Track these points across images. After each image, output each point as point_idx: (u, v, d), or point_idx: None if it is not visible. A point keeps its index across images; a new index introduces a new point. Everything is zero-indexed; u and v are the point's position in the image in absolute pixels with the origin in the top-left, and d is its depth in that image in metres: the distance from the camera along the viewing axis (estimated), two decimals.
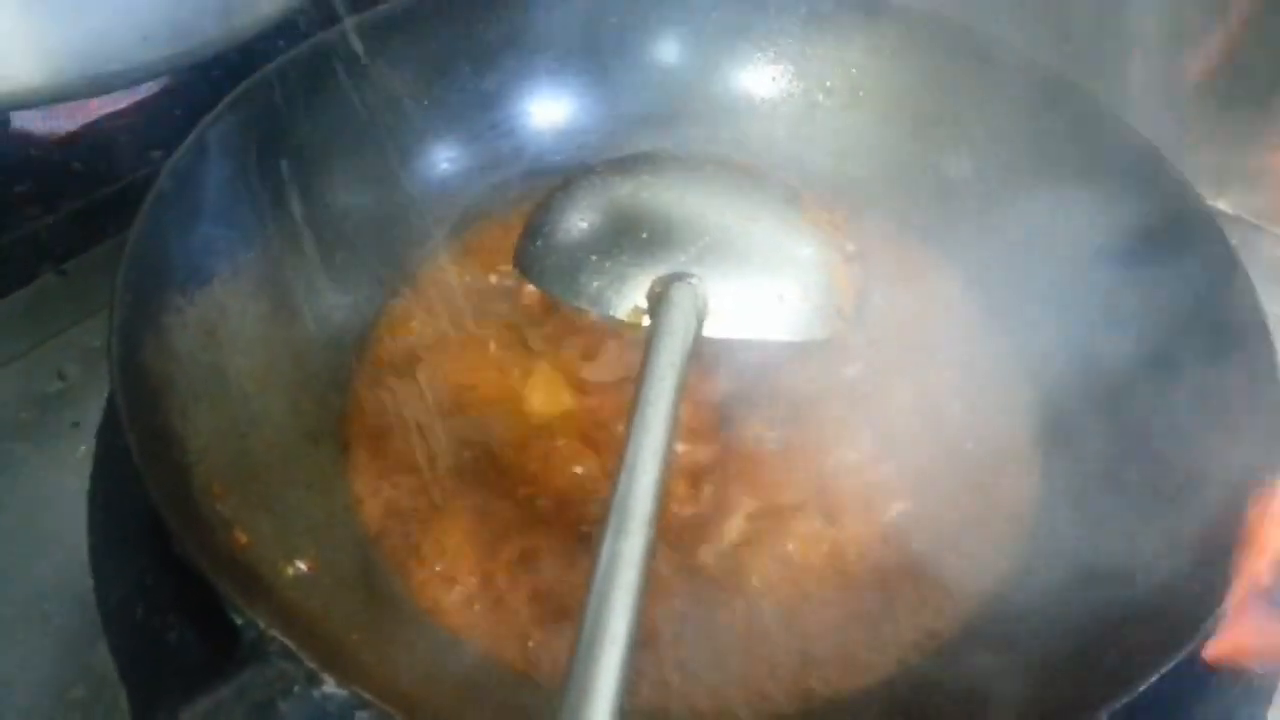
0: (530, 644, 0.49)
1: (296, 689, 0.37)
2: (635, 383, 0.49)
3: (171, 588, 0.46)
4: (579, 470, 0.55)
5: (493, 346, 0.62)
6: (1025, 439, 0.59)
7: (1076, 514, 0.55)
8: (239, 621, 0.39)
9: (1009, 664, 0.46)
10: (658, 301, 0.54)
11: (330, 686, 0.37)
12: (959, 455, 0.58)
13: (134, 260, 0.51)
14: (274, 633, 0.38)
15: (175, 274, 0.53)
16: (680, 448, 0.54)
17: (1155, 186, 0.60)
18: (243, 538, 0.46)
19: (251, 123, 0.59)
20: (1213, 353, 0.54)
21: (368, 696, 0.37)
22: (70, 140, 0.77)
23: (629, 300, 0.56)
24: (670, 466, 0.45)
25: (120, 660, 0.45)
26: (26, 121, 0.77)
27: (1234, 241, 0.58)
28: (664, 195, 0.58)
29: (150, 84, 0.79)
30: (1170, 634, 0.41)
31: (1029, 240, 0.64)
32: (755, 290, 0.56)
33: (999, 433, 0.59)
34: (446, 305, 0.64)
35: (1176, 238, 0.58)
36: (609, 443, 0.56)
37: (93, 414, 0.56)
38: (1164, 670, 0.39)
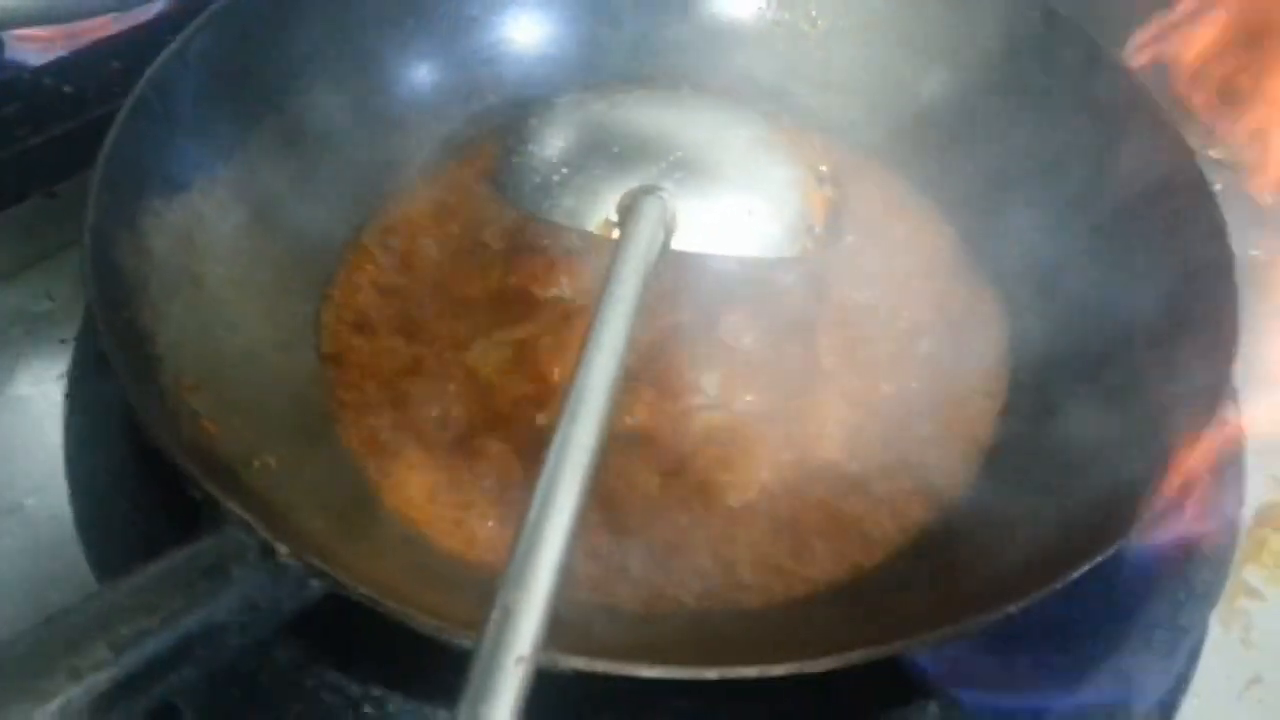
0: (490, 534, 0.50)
1: (250, 556, 0.38)
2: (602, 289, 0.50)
3: (139, 476, 0.47)
4: (550, 375, 0.56)
5: (467, 266, 0.62)
6: (992, 367, 0.60)
7: (1034, 439, 0.56)
8: (197, 497, 0.39)
9: (962, 559, 0.47)
10: (626, 214, 0.55)
11: (283, 557, 0.38)
12: (924, 377, 0.59)
13: (110, 162, 0.52)
14: (230, 505, 0.39)
15: (153, 179, 0.54)
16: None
17: (1138, 125, 0.60)
18: (211, 427, 0.47)
19: (232, 36, 0.60)
20: (1177, 290, 0.54)
21: (320, 566, 0.38)
22: (62, 64, 0.78)
23: (600, 213, 0.56)
24: (625, 366, 0.46)
25: (88, 545, 0.46)
26: (17, 44, 0.78)
27: (1219, 185, 0.58)
28: (637, 113, 0.58)
29: (142, 9, 0.79)
30: (1108, 524, 0.42)
31: (1005, 173, 0.65)
32: (724, 205, 0.56)
33: (966, 358, 0.60)
34: (424, 226, 0.65)
35: (1155, 177, 0.58)
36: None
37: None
38: (1104, 555, 0.40)
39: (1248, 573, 0.65)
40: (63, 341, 0.70)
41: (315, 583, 0.39)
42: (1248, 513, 0.68)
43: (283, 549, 0.38)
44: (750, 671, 0.37)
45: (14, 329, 0.71)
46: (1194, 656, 0.53)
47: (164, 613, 0.36)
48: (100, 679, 0.34)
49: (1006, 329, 0.61)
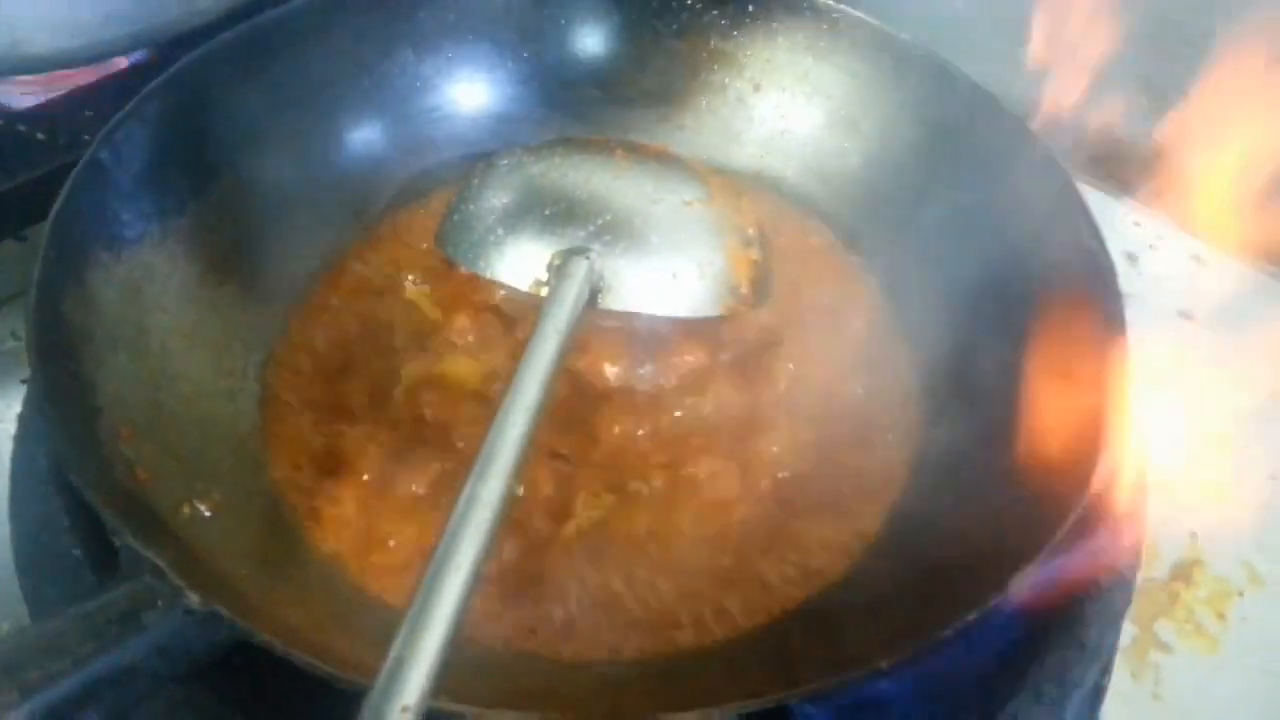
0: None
1: (159, 602, 0.40)
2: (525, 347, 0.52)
3: (75, 520, 0.50)
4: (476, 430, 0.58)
5: (411, 318, 0.65)
6: (911, 406, 0.63)
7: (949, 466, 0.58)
8: (117, 544, 0.42)
9: (850, 618, 0.49)
10: (554, 274, 0.57)
11: (193, 605, 0.40)
12: (845, 416, 0.61)
13: (61, 218, 0.54)
14: (147, 553, 0.41)
15: (103, 234, 0.57)
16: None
17: (1052, 206, 0.63)
18: (143, 474, 0.49)
19: (189, 97, 0.63)
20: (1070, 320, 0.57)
21: (226, 614, 0.40)
22: (36, 111, 0.81)
23: (531, 273, 0.59)
24: (538, 424, 0.48)
25: (25, 585, 0.49)
26: None
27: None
28: (570, 175, 0.61)
29: (115, 60, 0.82)
30: (981, 585, 0.44)
31: (924, 236, 0.68)
32: (650, 267, 0.59)
33: (885, 398, 0.62)
34: (372, 281, 0.68)
35: (1060, 262, 0.61)
36: None
37: None
38: (972, 615, 0.42)
39: (1159, 627, 0.67)
40: (23, 382, 0.73)
41: (225, 630, 0.41)
42: (1164, 567, 0.71)
43: (194, 597, 0.40)
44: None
45: None
46: (1090, 708, 0.55)
47: (73, 656, 0.38)
48: (4, 718, 0.36)
49: (919, 381, 0.63)
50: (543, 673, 0.51)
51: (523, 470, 0.46)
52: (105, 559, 0.48)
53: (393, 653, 0.38)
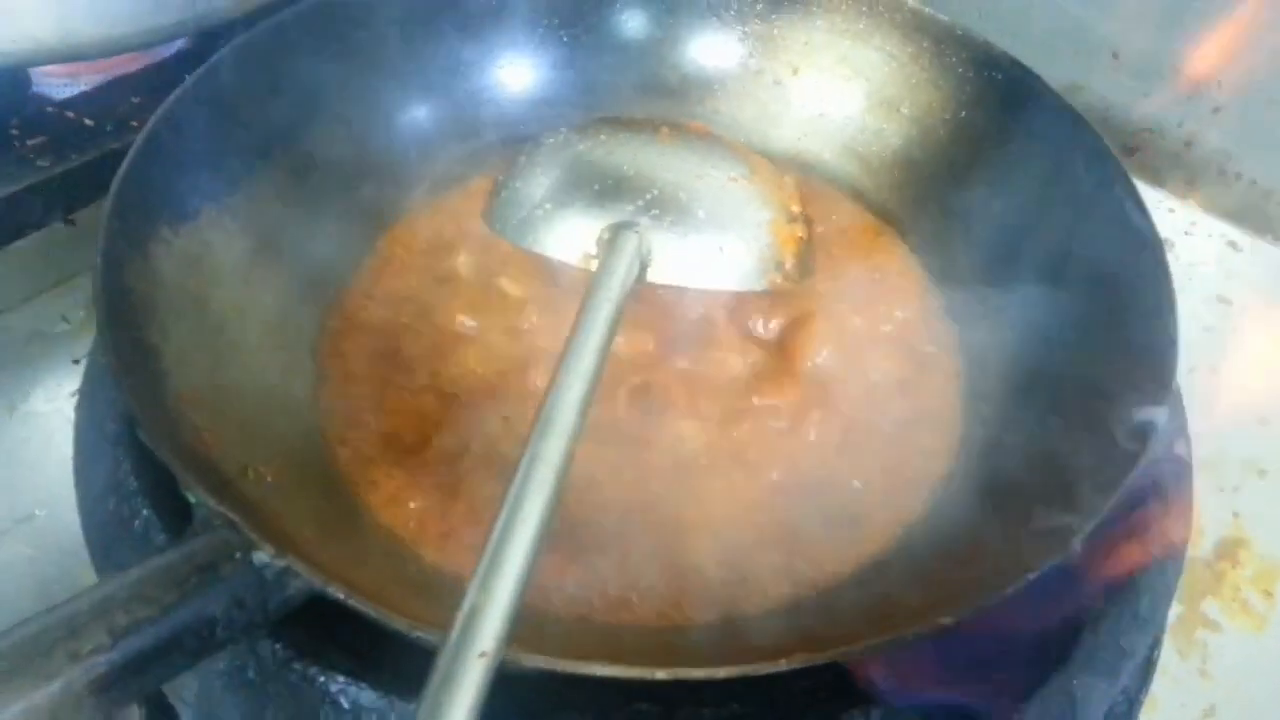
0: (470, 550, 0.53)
1: (237, 555, 0.41)
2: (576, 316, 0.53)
3: (141, 485, 0.51)
4: (523, 407, 0.59)
5: (458, 297, 0.66)
6: (952, 397, 0.63)
7: (983, 470, 0.59)
8: (192, 500, 0.43)
9: (910, 576, 0.50)
10: (604, 247, 0.58)
11: (265, 555, 0.41)
12: (887, 402, 0.62)
13: (123, 192, 0.55)
14: (221, 508, 0.42)
15: (163, 208, 0.58)
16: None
17: (1087, 165, 0.64)
18: (209, 438, 0.50)
19: (243, 76, 0.64)
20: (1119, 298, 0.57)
21: (301, 568, 0.41)
22: (84, 98, 0.83)
23: (581, 247, 0.60)
24: (597, 389, 0.49)
25: (93, 548, 0.50)
26: (44, 78, 0.82)
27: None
28: (617, 152, 0.62)
29: (163, 47, 0.84)
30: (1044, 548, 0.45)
31: (967, 212, 0.69)
32: (697, 241, 0.60)
33: (928, 386, 0.63)
34: (417, 261, 0.69)
35: (1112, 247, 0.61)
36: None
37: None
38: (1031, 576, 0.43)
39: (1206, 605, 0.68)
40: (75, 362, 0.74)
41: (297, 583, 0.42)
42: (1208, 545, 0.71)
43: (268, 550, 0.41)
44: (698, 673, 0.40)
45: (30, 348, 0.76)
46: (1141, 681, 0.56)
47: (158, 605, 0.39)
48: (98, 662, 0.37)
49: (964, 361, 0.64)
50: (598, 636, 0.52)
51: (581, 436, 0.47)
52: (175, 521, 0.49)
53: (467, 602, 0.38)
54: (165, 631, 0.39)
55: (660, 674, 0.40)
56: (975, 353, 0.64)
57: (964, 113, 0.72)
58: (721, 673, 0.40)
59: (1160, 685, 0.61)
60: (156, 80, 0.85)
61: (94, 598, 0.38)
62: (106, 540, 0.50)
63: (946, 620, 0.42)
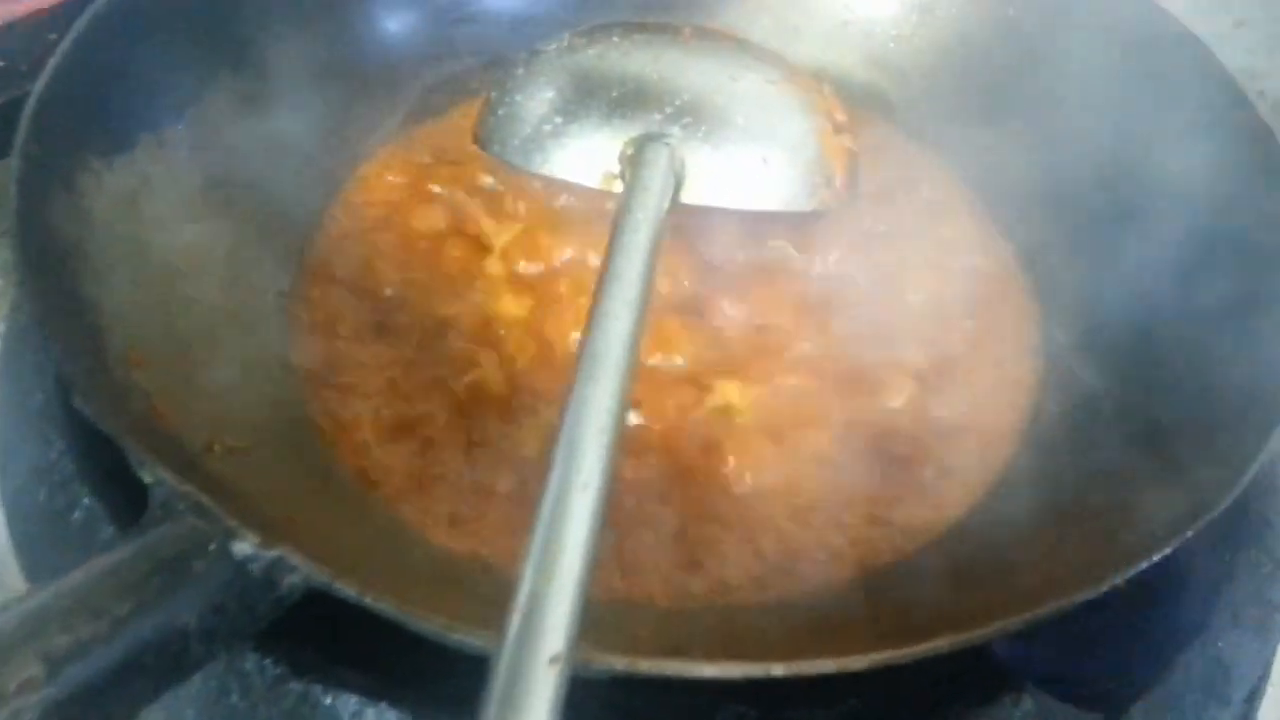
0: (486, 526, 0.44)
1: (211, 546, 0.31)
2: (608, 242, 0.44)
3: (80, 465, 0.41)
4: (528, 354, 0.51)
5: (443, 236, 0.56)
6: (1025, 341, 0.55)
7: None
8: (148, 480, 0.33)
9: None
10: (630, 164, 0.49)
11: (248, 545, 0.32)
12: (954, 351, 0.53)
13: (41, 114, 0.45)
14: (188, 488, 0.32)
15: (91, 135, 0.48)
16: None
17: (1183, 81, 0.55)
18: (163, 408, 0.41)
19: None
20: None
21: (297, 556, 0.32)
22: None
23: (600, 165, 0.51)
24: (645, 323, 0.40)
25: (19, 546, 0.40)
26: None
27: None
28: (636, 54, 0.53)
29: None
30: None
31: (1016, 127, 0.61)
32: (737, 154, 0.51)
33: (998, 308, 0.55)
34: (394, 199, 0.59)
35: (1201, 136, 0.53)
36: (560, 327, 0.52)
37: None
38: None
39: None
40: None
41: (291, 579, 0.32)
42: None
43: (252, 539, 0.32)
44: (828, 666, 0.31)
45: None
46: None
47: (109, 618, 0.29)
48: (29, 702, 0.27)
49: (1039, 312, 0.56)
50: (653, 622, 0.43)
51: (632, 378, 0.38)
52: (125, 510, 0.39)
53: (522, 592, 0.29)
54: (120, 653, 0.29)
55: (779, 670, 0.31)
56: (1044, 281, 0.56)
57: (1006, 11, 0.64)
58: (858, 664, 0.31)
59: None
60: (77, 15, 0.74)
61: (23, 613, 0.28)
62: (37, 538, 0.40)
63: (1115, 581, 0.34)
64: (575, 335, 0.49)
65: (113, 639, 0.29)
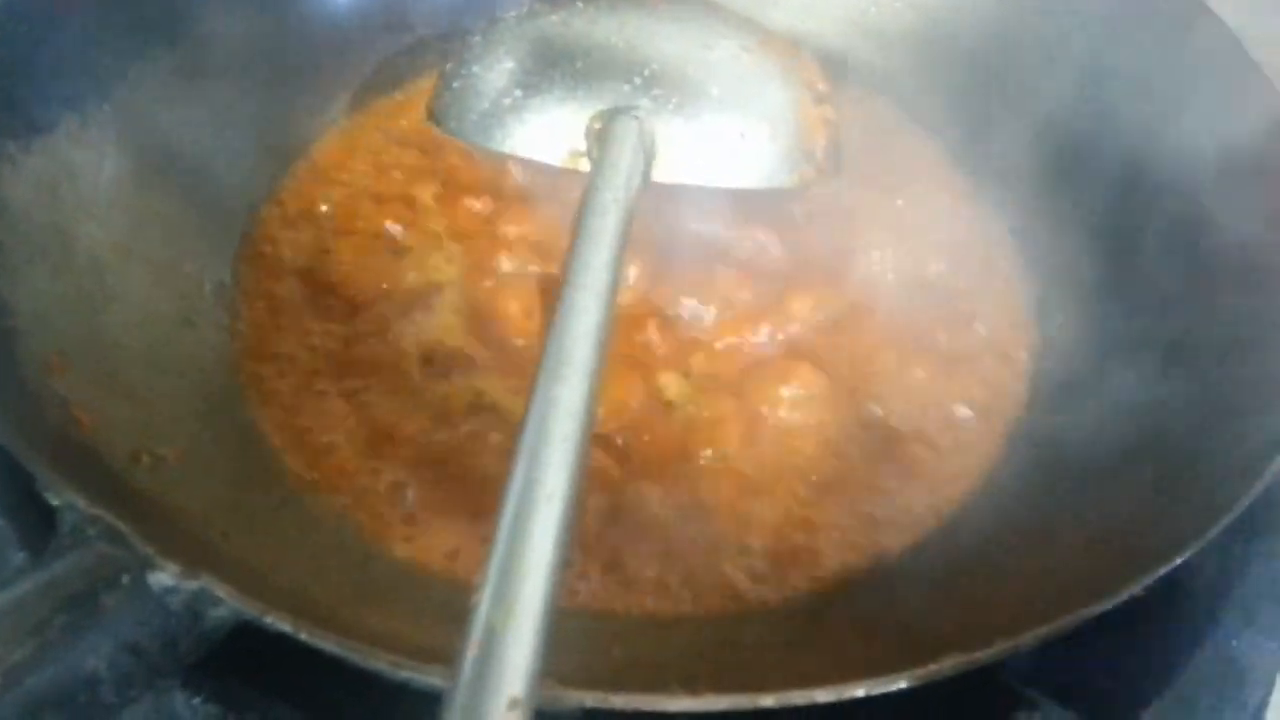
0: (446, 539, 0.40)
1: (125, 579, 0.27)
2: (573, 222, 0.40)
3: None
4: (472, 352, 0.48)
5: (398, 224, 0.53)
6: (1018, 308, 0.52)
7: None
8: (54, 503, 0.29)
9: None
10: (597, 140, 0.45)
11: (167, 576, 0.28)
12: (942, 331, 0.50)
13: None
14: (97, 510, 0.28)
15: (7, 117, 0.43)
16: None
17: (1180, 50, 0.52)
18: (83, 416, 0.37)
19: None
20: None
21: (221, 586, 0.28)
22: None
23: (565, 142, 0.47)
24: (613, 314, 0.36)
25: None
26: None
27: None
28: (601, 22, 0.49)
29: None
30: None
31: (1004, 95, 0.58)
32: (711, 126, 0.47)
33: (986, 287, 0.53)
34: (342, 182, 0.55)
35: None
36: (508, 322, 0.49)
37: None
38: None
39: None
40: None
41: (217, 612, 0.28)
42: None
43: (170, 568, 0.28)
44: (825, 695, 0.27)
45: None
46: None
47: (5, 665, 0.25)
48: None
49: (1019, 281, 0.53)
50: (632, 635, 0.39)
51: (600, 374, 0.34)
52: (35, 535, 0.35)
53: (479, 625, 0.26)
54: (20, 701, 0.25)
55: (768, 700, 0.27)
56: (1032, 256, 0.53)
57: None
58: (856, 691, 0.27)
59: None
60: None
61: None
62: None
63: (1132, 589, 0.31)
64: None
65: (10, 687, 0.25)
